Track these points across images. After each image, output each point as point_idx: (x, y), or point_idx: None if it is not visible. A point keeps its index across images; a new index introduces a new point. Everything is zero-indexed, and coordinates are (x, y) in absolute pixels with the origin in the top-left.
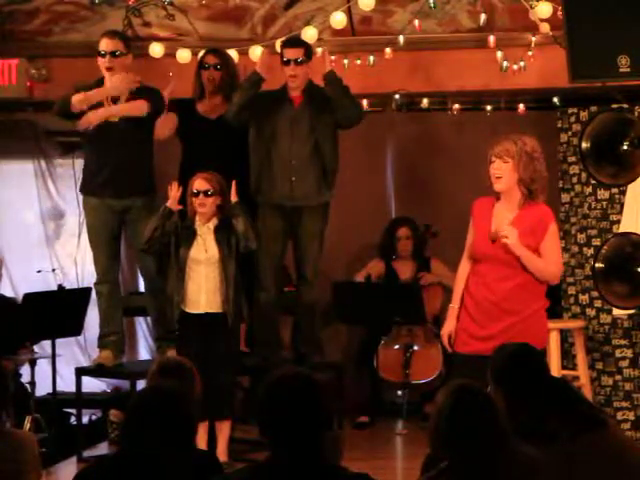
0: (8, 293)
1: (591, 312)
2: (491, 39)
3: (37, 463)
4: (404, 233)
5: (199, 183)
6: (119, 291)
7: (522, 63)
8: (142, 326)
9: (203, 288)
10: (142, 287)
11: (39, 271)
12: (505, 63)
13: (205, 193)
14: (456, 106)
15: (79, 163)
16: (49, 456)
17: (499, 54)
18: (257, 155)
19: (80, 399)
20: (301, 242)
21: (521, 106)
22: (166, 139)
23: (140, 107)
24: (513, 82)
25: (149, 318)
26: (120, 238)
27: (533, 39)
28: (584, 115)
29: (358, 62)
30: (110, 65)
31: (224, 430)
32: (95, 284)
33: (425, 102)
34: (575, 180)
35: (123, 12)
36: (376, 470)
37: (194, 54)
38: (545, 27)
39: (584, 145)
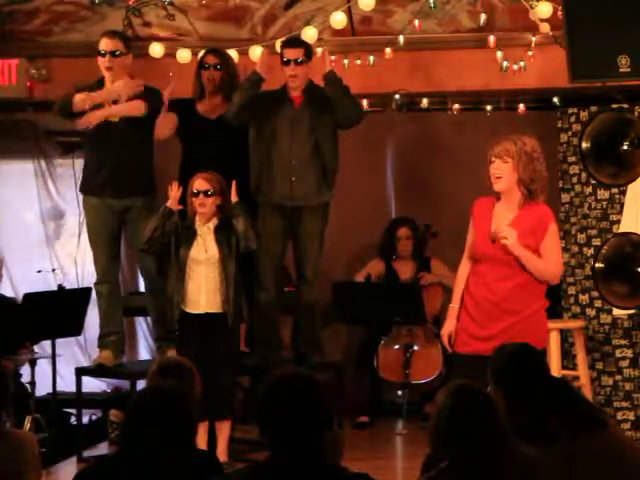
0: (8, 293)
1: (591, 312)
2: (491, 39)
3: (37, 463)
4: (404, 233)
5: (199, 183)
6: (119, 291)
7: (522, 63)
8: (142, 326)
9: (203, 288)
10: (142, 287)
11: (39, 271)
12: (505, 63)
13: (205, 193)
14: (456, 106)
15: (79, 163)
16: (49, 456)
17: (499, 54)
18: (257, 155)
19: (80, 399)
20: (301, 242)
21: (521, 106)
22: (166, 139)
23: (138, 107)
24: (513, 82)
25: (149, 318)
26: (120, 238)
27: (533, 39)
28: (584, 115)
29: (358, 62)
30: (110, 65)
31: (224, 430)
32: (95, 284)
33: (425, 102)
34: (575, 180)
35: (123, 12)
36: (376, 470)
37: (194, 54)
38: (545, 27)
39: (584, 145)
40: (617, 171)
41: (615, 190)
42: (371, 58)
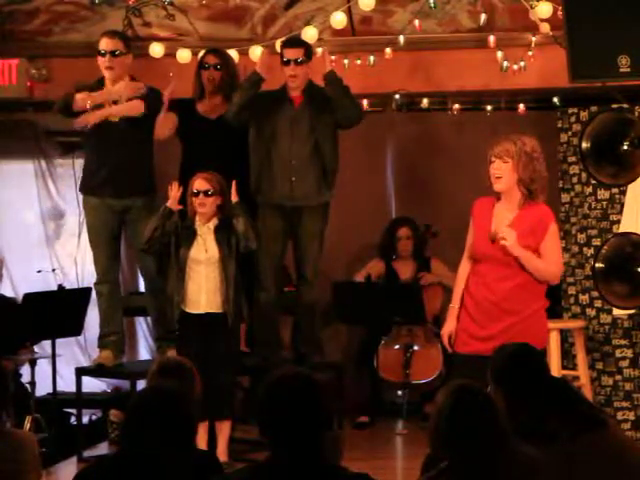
0: (8, 293)
1: (591, 312)
2: (491, 39)
3: (37, 463)
4: (404, 233)
5: (199, 183)
6: (119, 291)
7: (522, 63)
8: (142, 326)
9: (203, 288)
10: (142, 287)
11: (39, 271)
12: (505, 63)
13: (205, 193)
14: (456, 106)
15: (79, 163)
16: (49, 456)
17: (499, 54)
18: (257, 155)
19: (80, 399)
20: (301, 242)
21: (521, 106)
22: (166, 139)
23: (137, 107)
24: (513, 82)
25: (149, 318)
26: (120, 238)
27: (533, 39)
28: (584, 115)
29: (358, 62)
30: (110, 64)
31: (224, 430)
32: (95, 284)
33: (425, 102)
34: (575, 180)
35: (123, 12)
36: (376, 470)
37: (194, 54)
38: (545, 27)
39: (584, 145)
40: (617, 171)
41: (615, 190)
42: (371, 58)
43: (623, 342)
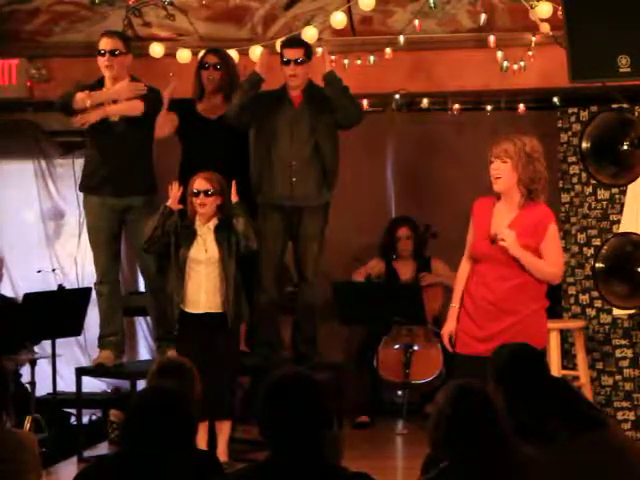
0: (8, 293)
1: (591, 312)
2: (491, 39)
3: (37, 463)
4: (404, 233)
5: (199, 183)
6: (119, 291)
7: (522, 63)
8: (142, 326)
9: (203, 288)
10: (142, 287)
11: (39, 271)
12: (505, 63)
13: (205, 193)
14: (456, 106)
15: (79, 163)
16: (49, 456)
17: (499, 54)
18: (257, 155)
19: (80, 399)
20: (301, 242)
21: (521, 106)
22: (166, 138)
23: (136, 107)
24: (513, 82)
25: (149, 318)
26: (120, 238)
27: (533, 39)
28: (584, 115)
29: (358, 62)
30: (109, 64)
31: (224, 430)
32: (95, 284)
33: (425, 102)
34: (575, 180)
35: (123, 12)
36: (376, 470)
37: (194, 54)
38: (545, 27)
39: (584, 145)
40: (617, 171)
41: (615, 190)
42: (371, 58)
43: (623, 342)
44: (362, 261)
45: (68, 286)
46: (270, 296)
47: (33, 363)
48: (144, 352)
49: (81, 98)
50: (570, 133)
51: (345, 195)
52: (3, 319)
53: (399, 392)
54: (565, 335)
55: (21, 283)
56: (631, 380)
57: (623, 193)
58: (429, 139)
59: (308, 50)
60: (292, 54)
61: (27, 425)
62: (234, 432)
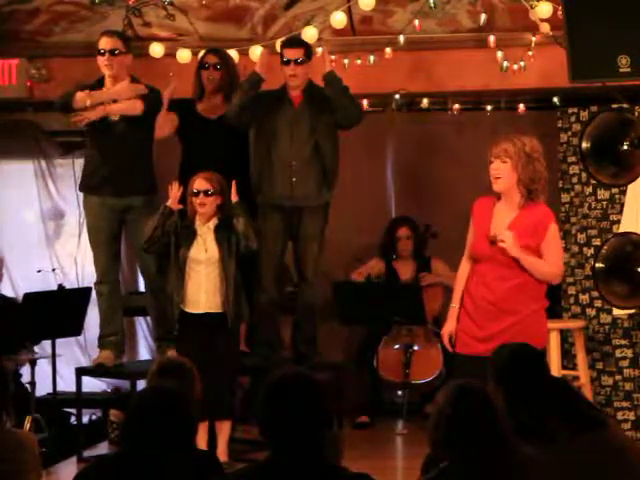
0: (8, 293)
1: (591, 312)
2: (491, 39)
3: (37, 463)
4: (404, 233)
5: (199, 183)
6: (119, 291)
7: (522, 63)
8: (142, 326)
9: (203, 288)
10: (142, 287)
11: (39, 271)
12: (505, 63)
13: (205, 193)
14: (456, 106)
15: (79, 163)
16: (49, 456)
17: (499, 54)
18: (257, 155)
19: (80, 399)
20: (301, 242)
21: (521, 106)
22: (166, 138)
23: (135, 106)
24: (513, 82)
25: (149, 318)
26: (120, 238)
27: (533, 39)
28: (584, 115)
29: (358, 62)
30: (109, 63)
31: (224, 430)
32: (95, 284)
33: (425, 102)
34: (575, 180)
35: (123, 12)
36: (376, 470)
37: (194, 54)
38: (545, 27)
39: (584, 145)
40: (617, 171)
41: (615, 190)
42: (371, 58)
43: (623, 342)
44: (362, 261)
45: (68, 286)
46: (270, 296)
47: (33, 363)
48: (144, 352)
49: (81, 97)
50: (570, 133)
51: (345, 195)
52: (3, 319)
53: (399, 392)
54: (565, 335)
55: (21, 283)
56: (631, 380)
57: (623, 193)
58: (429, 139)
59: (308, 50)
60: (292, 54)
61: (27, 425)
62: (234, 432)
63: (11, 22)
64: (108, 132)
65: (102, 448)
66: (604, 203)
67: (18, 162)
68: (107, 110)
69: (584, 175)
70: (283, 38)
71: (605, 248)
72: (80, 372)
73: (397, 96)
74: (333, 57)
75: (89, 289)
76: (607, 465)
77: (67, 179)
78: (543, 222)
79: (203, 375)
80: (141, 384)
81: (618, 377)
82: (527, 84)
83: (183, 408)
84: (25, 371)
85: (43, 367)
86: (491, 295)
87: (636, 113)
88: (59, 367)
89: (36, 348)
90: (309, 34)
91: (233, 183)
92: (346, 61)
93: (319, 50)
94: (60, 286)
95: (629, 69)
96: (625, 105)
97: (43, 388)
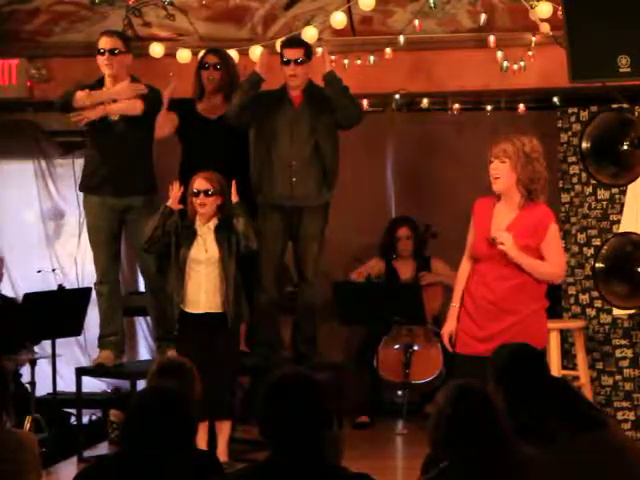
0: (8, 293)
1: (591, 312)
2: (491, 39)
3: (37, 463)
4: (404, 233)
5: (199, 183)
6: (119, 291)
7: (522, 63)
8: (142, 326)
9: (203, 288)
10: (142, 287)
11: (39, 271)
12: (505, 63)
13: (205, 193)
14: (456, 106)
15: (79, 163)
16: (49, 456)
17: (499, 54)
18: (257, 155)
19: (80, 399)
20: (301, 242)
21: (521, 106)
22: (166, 138)
23: (135, 106)
24: (513, 82)
25: (149, 318)
26: (120, 238)
27: (533, 39)
28: (584, 115)
29: (358, 62)
30: (109, 63)
31: (224, 430)
32: (95, 284)
33: (425, 102)
34: (575, 180)
35: (123, 12)
36: (376, 470)
37: (194, 54)
38: (545, 27)
39: (584, 145)
40: (617, 171)
41: (615, 190)
42: (371, 58)
43: (623, 342)
44: (362, 261)
45: (68, 286)
46: (270, 296)
47: (33, 363)
48: (144, 352)
49: (81, 97)
50: (570, 133)
51: (345, 195)
52: (3, 319)
53: (399, 392)
54: (565, 335)
55: (21, 283)
56: (631, 380)
57: (623, 193)
58: (429, 139)
59: (308, 50)
60: (292, 54)
61: (27, 425)
62: (234, 432)
63: (11, 22)
64: (108, 132)
65: (102, 448)
66: (604, 203)
67: (18, 162)
68: (107, 110)
69: (584, 175)
70: (283, 38)
71: (605, 248)
72: (80, 372)
73: (397, 96)
74: (333, 57)
75: (89, 289)
76: (607, 465)
77: (67, 179)
78: (543, 222)
79: (203, 375)
80: (141, 384)
81: (618, 377)
82: (527, 84)
83: (183, 408)
84: (25, 371)
85: (43, 367)
86: (491, 295)
87: (636, 113)
88: (59, 367)
89: (36, 348)
90: (309, 34)
91: (233, 183)
92: (346, 61)
93: (319, 50)
94: (60, 286)
95: (629, 69)
96: (625, 105)
97: (43, 388)
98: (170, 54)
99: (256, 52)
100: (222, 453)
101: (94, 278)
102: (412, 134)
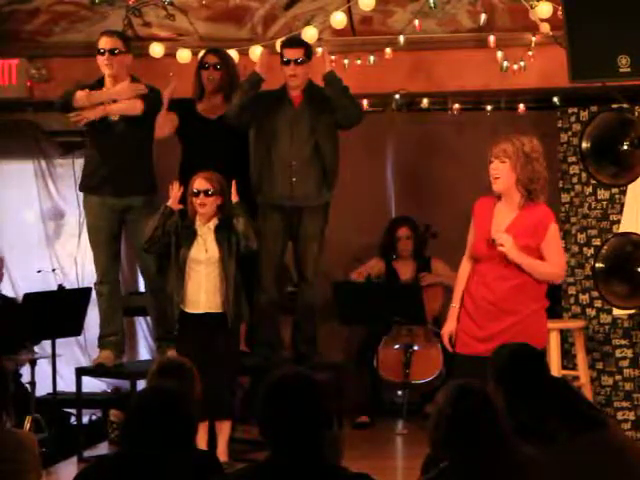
0: (8, 293)
1: (591, 312)
2: (491, 39)
3: (37, 463)
4: (404, 233)
5: (199, 183)
6: (119, 291)
7: (522, 63)
8: (142, 326)
9: (203, 288)
10: (142, 287)
11: (39, 271)
12: (505, 63)
13: (205, 193)
14: (456, 106)
15: (79, 163)
16: (49, 456)
17: (499, 54)
18: (257, 155)
19: (80, 399)
20: (301, 242)
21: (521, 106)
22: (166, 138)
23: (135, 106)
24: (513, 82)
25: (149, 318)
26: (120, 238)
27: (533, 39)
28: (584, 115)
29: (358, 62)
30: (109, 62)
31: (224, 430)
32: (95, 284)
33: (425, 102)
34: (575, 180)
35: (123, 12)
36: (376, 470)
37: (194, 54)
38: (545, 27)
39: (584, 145)
40: (617, 171)
41: (615, 190)
42: (371, 58)
43: (623, 342)
44: (362, 261)
45: (68, 286)
46: (270, 296)
47: (33, 363)
48: (144, 352)
49: (81, 97)
50: (570, 133)
51: (345, 195)
52: (3, 319)
53: (399, 392)
54: (565, 335)
55: (21, 283)
56: (631, 380)
57: (623, 193)
58: (429, 139)
59: (308, 50)
60: (292, 54)
61: (27, 425)
62: (234, 432)
63: (11, 22)
64: (108, 132)
65: (102, 448)
66: (604, 203)
67: (18, 162)
68: (107, 110)
69: (584, 175)
70: (283, 38)
71: (605, 248)
72: (80, 372)
73: (397, 96)
74: (333, 57)
75: (89, 289)
76: (607, 465)
77: (67, 179)
78: (543, 222)
79: (203, 375)
80: (141, 384)
81: (618, 377)
82: (527, 84)
83: (183, 408)
84: (25, 371)
85: (43, 367)
86: (491, 295)
87: (636, 113)
88: (59, 367)
89: (36, 348)
90: (309, 34)
91: (233, 183)
92: (346, 61)
93: (319, 50)
94: (60, 286)
95: (629, 69)
96: (625, 105)
97: (43, 388)
98: (170, 54)
99: (256, 52)
100: (222, 453)
101: (94, 278)
102: (412, 134)
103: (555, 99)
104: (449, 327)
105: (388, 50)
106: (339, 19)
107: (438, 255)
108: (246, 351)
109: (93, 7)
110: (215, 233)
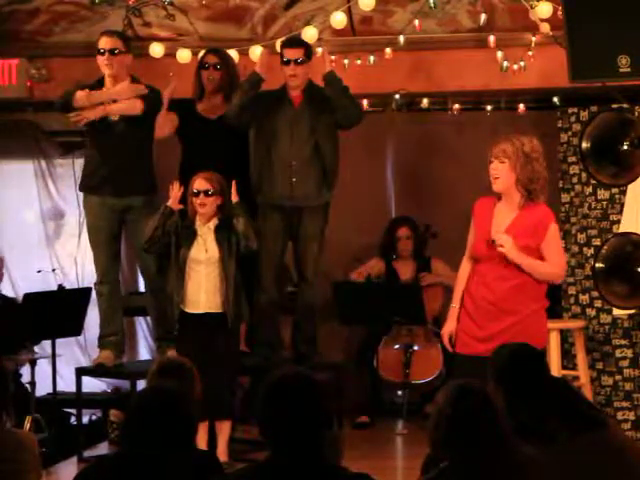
0: (8, 293)
1: (591, 312)
2: (491, 39)
3: (37, 463)
4: (404, 233)
5: (199, 183)
6: (119, 291)
7: (522, 63)
8: (142, 326)
9: (203, 288)
10: (142, 287)
11: (39, 271)
12: (505, 63)
13: (205, 193)
14: (456, 106)
15: (79, 163)
16: (49, 456)
17: (499, 54)
18: (257, 155)
19: (80, 399)
20: (301, 242)
21: (521, 106)
22: (166, 138)
23: (135, 106)
24: (513, 82)
25: (149, 318)
26: (120, 238)
27: (533, 39)
28: (584, 115)
29: (358, 62)
30: (109, 62)
31: (224, 430)
32: (95, 284)
33: (425, 102)
34: (575, 180)
35: (123, 12)
36: (376, 470)
37: (194, 54)
38: (545, 27)
39: (584, 145)
40: (617, 171)
41: (615, 190)
42: (371, 58)
43: (623, 342)
44: (362, 261)
45: (68, 286)
46: (270, 296)
47: (33, 363)
48: (144, 352)
49: (81, 97)
50: (570, 133)
51: (345, 195)
52: (3, 319)
53: (399, 392)
54: (565, 335)
55: (21, 283)
56: (631, 380)
57: (623, 193)
58: (429, 139)
59: (308, 50)
60: (292, 54)
61: (27, 425)
62: (234, 432)
63: (11, 22)
64: (108, 132)
65: (102, 448)
66: (604, 203)
67: (18, 162)
68: (107, 110)
69: (584, 175)
70: (283, 38)
71: (605, 248)
72: (80, 372)
73: (397, 96)
74: (333, 57)
75: (89, 289)
76: (607, 465)
77: (67, 179)
78: (543, 222)
79: (203, 375)
80: (141, 384)
81: (618, 377)
82: (527, 84)
83: (183, 408)
84: (25, 371)
85: (43, 367)
86: (491, 295)
87: (636, 113)
88: (59, 367)
89: (36, 348)
90: (309, 34)
91: (233, 183)
92: (346, 61)
93: (319, 50)
94: (60, 286)
95: (629, 69)
96: (625, 105)
97: (43, 388)
98: (170, 54)
99: (256, 52)
100: (222, 453)
101: (94, 278)
102: (412, 134)
103: (555, 99)
104: (449, 327)
105: (388, 50)
106: (339, 19)
107: (438, 255)
108: (246, 351)
109: (93, 7)
110: (215, 233)
